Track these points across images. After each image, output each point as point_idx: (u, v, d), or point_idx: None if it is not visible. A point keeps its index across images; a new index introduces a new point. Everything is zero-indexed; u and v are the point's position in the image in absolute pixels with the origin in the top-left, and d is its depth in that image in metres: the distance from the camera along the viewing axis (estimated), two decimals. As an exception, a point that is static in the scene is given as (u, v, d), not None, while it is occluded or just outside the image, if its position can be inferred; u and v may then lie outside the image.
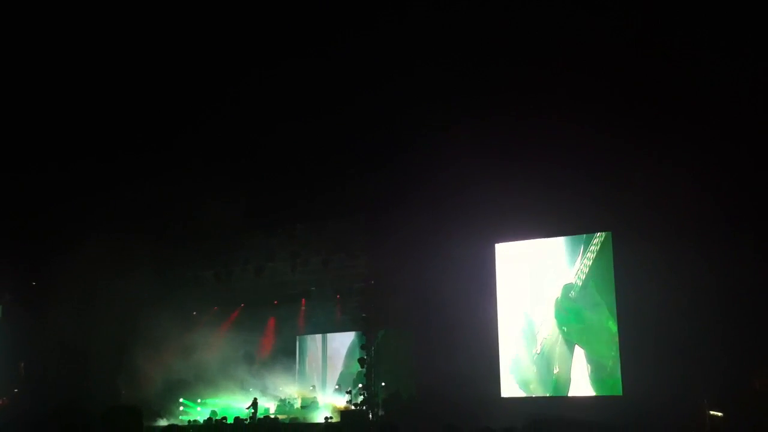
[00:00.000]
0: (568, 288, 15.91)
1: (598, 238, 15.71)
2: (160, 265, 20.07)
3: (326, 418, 18.15)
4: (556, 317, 15.98)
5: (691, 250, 13.75)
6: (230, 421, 18.13)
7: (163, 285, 20.33)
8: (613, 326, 15.18)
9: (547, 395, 15.84)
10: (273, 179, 16.86)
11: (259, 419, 18.79)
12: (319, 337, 24.22)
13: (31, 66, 15.85)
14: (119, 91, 16.52)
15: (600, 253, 15.62)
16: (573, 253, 16.00)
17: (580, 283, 15.77)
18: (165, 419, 19.83)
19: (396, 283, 17.52)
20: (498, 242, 16.90)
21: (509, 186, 15.20)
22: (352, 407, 18.52)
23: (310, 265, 19.14)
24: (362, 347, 18.38)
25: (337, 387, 21.97)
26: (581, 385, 15.47)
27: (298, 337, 24.17)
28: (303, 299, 21.77)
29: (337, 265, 19.04)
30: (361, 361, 18.40)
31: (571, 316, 15.81)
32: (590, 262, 15.69)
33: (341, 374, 23.05)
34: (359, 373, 19.03)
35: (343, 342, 23.58)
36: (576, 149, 14.32)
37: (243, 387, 21.47)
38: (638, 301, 14.54)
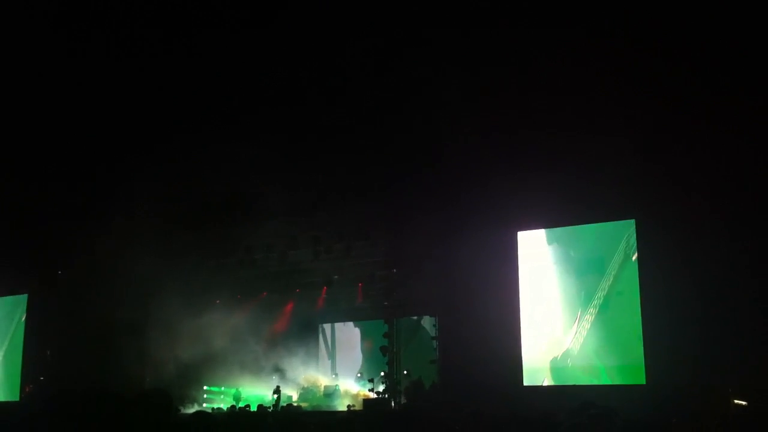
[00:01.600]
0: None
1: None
2: (182, 252, 20.19)
3: (349, 406, 18.23)
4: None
5: (718, 236, 13.60)
6: (254, 408, 18.26)
7: (184, 272, 20.45)
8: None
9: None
10: (296, 166, 16.84)
11: (282, 407, 18.92)
12: (334, 324, 24.42)
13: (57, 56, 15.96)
14: (138, 77, 16.53)
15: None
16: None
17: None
18: (190, 406, 20.02)
19: (418, 271, 17.52)
20: (520, 230, 16.80)
21: (532, 174, 15.09)
22: (374, 395, 18.57)
23: (333, 252, 19.14)
24: (384, 335, 18.37)
25: (359, 375, 22.05)
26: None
27: (320, 325, 24.34)
28: (324, 287, 21.83)
29: (359, 253, 19.05)
30: (383, 349, 18.40)
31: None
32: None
33: (363, 363, 23.18)
34: (381, 361, 19.06)
35: (356, 330, 23.76)
36: (599, 137, 14.17)
37: (264, 374, 21.62)
38: (663, 290, 14.40)
